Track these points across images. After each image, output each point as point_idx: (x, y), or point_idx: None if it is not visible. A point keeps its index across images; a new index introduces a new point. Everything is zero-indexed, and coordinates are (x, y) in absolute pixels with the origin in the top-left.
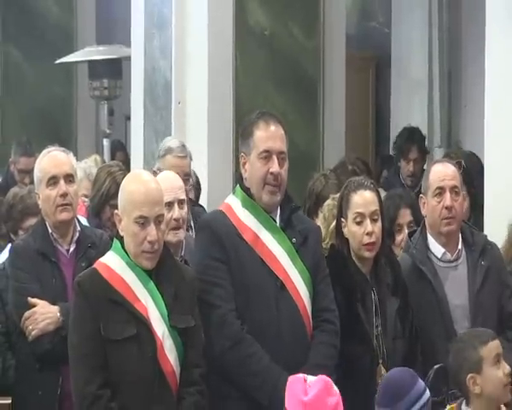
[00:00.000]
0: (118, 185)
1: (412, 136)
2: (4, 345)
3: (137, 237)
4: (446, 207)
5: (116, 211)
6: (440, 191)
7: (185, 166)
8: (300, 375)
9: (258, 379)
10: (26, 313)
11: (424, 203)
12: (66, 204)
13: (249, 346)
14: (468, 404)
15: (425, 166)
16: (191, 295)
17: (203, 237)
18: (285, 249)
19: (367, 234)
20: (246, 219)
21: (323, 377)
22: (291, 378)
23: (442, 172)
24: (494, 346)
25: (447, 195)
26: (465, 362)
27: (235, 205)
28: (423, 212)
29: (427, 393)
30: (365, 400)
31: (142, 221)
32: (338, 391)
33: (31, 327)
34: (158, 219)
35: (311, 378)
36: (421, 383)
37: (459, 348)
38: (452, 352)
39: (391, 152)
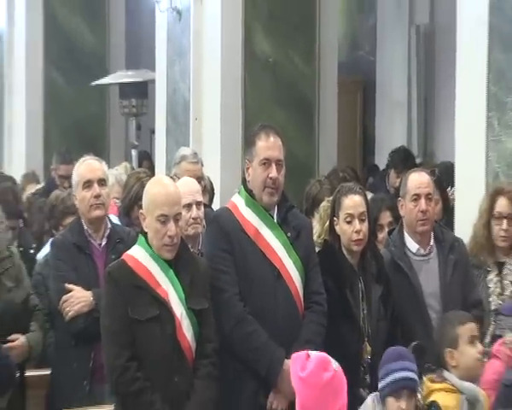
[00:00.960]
0: None
1: (407, 158)
2: (47, 324)
3: (159, 233)
4: (421, 211)
5: (141, 210)
6: (416, 197)
7: (197, 171)
8: (303, 352)
9: (258, 353)
10: (64, 297)
11: (402, 206)
12: (99, 203)
13: (250, 324)
14: None
15: None
16: (205, 281)
17: (212, 230)
18: (281, 243)
19: (356, 232)
20: (248, 216)
21: (322, 355)
22: (294, 356)
23: (418, 180)
24: (471, 327)
25: (422, 200)
26: (444, 338)
27: (239, 204)
28: (401, 213)
29: (400, 374)
30: (354, 373)
31: (163, 219)
32: (336, 367)
33: (68, 309)
34: (176, 217)
35: (313, 354)
36: (401, 364)
37: (441, 325)
38: (436, 328)
39: (375, 162)
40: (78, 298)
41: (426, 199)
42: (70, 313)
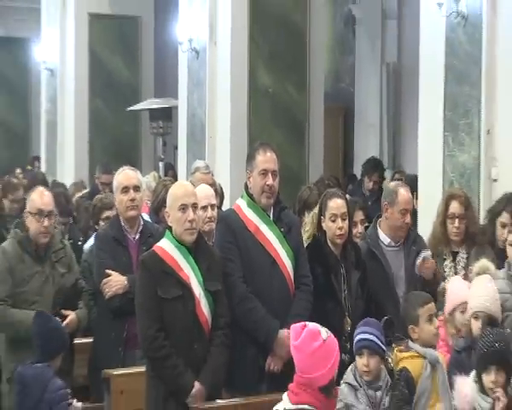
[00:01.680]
0: None
1: (377, 165)
2: (91, 302)
3: (181, 220)
4: (406, 222)
5: (166, 210)
6: (404, 212)
7: (208, 179)
8: (301, 323)
9: (257, 325)
10: (104, 280)
11: (387, 209)
12: (134, 206)
13: (251, 302)
14: None
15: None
16: (218, 268)
17: (221, 227)
18: (276, 236)
19: (339, 228)
20: (250, 215)
21: (314, 326)
22: (292, 327)
23: (407, 197)
24: (429, 307)
25: (408, 215)
26: (408, 317)
27: (242, 205)
28: (385, 215)
29: (360, 336)
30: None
31: (183, 207)
32: (326, 336)
33: (107, 290)
34: (194, 206)
35: (308, 325)
36: (364, 328)
37: (405, 306)
38: (401, 308)
39: (354, 172)
40: (115, 282)
41: (410, 214)
42: (108, 294)
